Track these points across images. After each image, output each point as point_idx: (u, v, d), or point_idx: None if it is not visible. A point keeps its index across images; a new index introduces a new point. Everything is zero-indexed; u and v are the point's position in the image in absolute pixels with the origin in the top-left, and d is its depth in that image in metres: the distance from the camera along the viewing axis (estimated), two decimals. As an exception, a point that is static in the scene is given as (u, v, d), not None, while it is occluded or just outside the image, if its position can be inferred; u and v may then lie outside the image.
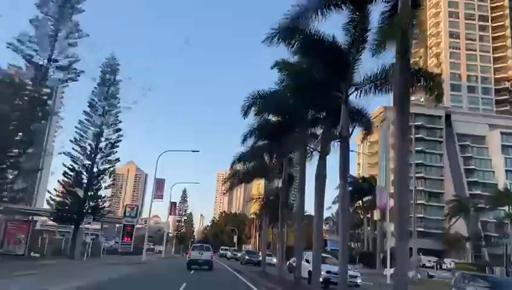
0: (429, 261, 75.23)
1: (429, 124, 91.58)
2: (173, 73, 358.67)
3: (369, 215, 64.21)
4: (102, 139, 32.11)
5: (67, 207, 30.29)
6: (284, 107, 17.62)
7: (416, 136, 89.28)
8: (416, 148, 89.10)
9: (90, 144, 31.83)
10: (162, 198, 40.90)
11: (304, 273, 17.66)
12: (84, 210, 30.50)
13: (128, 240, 50.45)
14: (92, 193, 30.76)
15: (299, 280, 16.46)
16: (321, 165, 14.59)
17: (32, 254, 27.72)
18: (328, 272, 16.82)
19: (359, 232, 75.17)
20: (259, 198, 33.14)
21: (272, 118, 20.28)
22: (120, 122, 32.88)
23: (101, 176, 31.40)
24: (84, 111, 32.15)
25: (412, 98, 10.43)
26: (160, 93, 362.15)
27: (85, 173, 31.10)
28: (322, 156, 14.85)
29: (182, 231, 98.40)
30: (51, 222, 60.98)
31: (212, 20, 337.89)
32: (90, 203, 30.81)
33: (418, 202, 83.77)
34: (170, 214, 63.28)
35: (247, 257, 40.38)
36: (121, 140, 32.71)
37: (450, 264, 71.25)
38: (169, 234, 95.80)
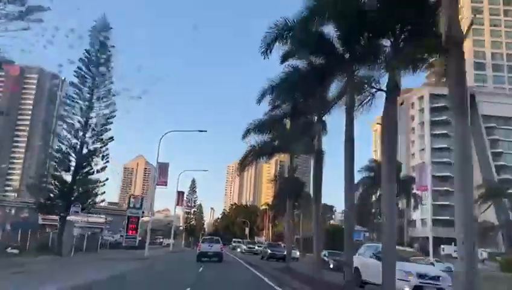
0: (456, 251, 69.39)
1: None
2: (176, 72, 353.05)
3: (393, 203, 59.21)
4: (93, 114, 27.27)
5: (51, 194, 25.56)
6: (322, 42, 12.48)
7: (439, 118, 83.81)
8: (439, 132, 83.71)
9: (79, 121, 27.03)
10: (165, 185, 36.04)
11: (368, 275, 11.97)
12: (73, 197, 25.76)
13: (133, 233, 46.74)
14: (81, 177, 25.95)
15: (352, 284, 11.29)
16: (391, 110, 9.51)
17: (9, 250, 23.26)
18: (421, 276, 11.00)
19: (382, 222, 70.20)
20: (275, 180, 28.05)
21: (300, 64, 15.16)
22: (114, 95, 28.03)
23: (92, 157, 26.54)
24: (71, 82, 27.36)
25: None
26: (162, 91, 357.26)
27: (73, 154, 26.29)
28: (389, 96, 9.74)
29: (191, 223, 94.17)
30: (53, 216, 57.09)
31: (213, 20, 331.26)
32: (80, 189, 26.04)
33: (441, 188, 78.59)
34: (177, 204, 58.60)
35: (269, 251, 34.02)
36: (114, 115, 27.85)
37: (481, 255, 65.97)
38: (180, 227, 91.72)
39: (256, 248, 50.55)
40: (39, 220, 59.90)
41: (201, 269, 20.69)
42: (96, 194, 26.89)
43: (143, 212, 52.13)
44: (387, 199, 9.78)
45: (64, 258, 24.43)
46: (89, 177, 26.38)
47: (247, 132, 19.97)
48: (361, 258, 12.92)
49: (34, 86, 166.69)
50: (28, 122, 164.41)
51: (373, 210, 70.29)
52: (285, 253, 25.97)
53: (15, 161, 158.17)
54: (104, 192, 27.29)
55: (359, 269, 12.21)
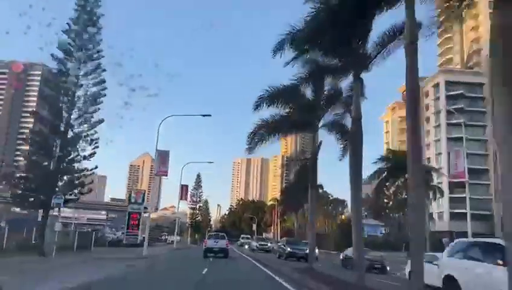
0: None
1: (469, 92, 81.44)
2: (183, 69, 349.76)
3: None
4: (80, 93, 23.70)
5: (30, 185, 22.03)
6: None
7: (455, 106, 79.51)
8: (455, 121, 79.34)
9: (63, 100, 23.47)
10: (166, 174, 32.52)
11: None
12: (57, 188, 22.22)
13: (135, 230, 43.61)
14: (64, 164, 22.36)
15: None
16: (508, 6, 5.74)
17: (-22, 250, 19.84)
18: None
19: (398, 216, 66.29)
20: (297, 159, 24.18)
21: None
22: (103, 70, 24.47)
23: (78, 141, 22.97)
24: (52, 54, 23.76)
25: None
26: (163, 91, 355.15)
27: (55, 139, 22.71)
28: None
29: (197, 218, 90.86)
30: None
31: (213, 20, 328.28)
32: (64, 178, 22.48)
33: (457, 179, 74.29)
34: (181, 198, 55.03)
35: (289, 249, 29.28)
36: (105, 94, 24.26)
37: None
38: (187, 224, 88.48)
39: (269, 244, 46.39)
40: (39, 217, 56.69)
41: (205, 270, 17.11)
42: (83, 184, 23.30)
43: (145, 208, 48.94)
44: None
45: (46, 258, 20.93)
46: (74, 165, 22.83)
47: (261, 101, 16.02)
48: (460, 262, 8.58)
49: (38, 83, 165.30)
50: (32, 120, 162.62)
51: (390, 203, 66.45)
52: (307, 251, 22.02)
53: (20, 158, 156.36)
54: (92, 181, 23.70)
55: (456, 279, 8.11)
